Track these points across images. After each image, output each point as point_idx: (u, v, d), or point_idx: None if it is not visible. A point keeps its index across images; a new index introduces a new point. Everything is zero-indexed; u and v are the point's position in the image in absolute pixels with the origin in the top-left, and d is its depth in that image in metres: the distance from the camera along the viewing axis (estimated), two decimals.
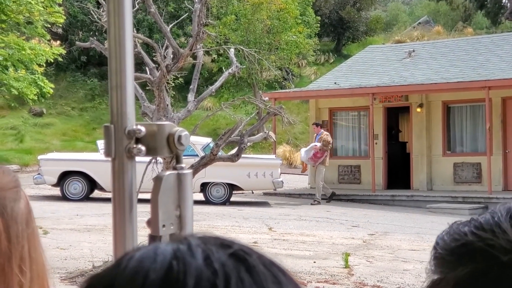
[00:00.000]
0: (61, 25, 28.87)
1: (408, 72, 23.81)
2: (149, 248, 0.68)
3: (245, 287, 0.63)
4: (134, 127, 1.13)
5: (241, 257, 0.66)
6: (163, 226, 1.09)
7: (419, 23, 47.25)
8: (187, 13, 14.55)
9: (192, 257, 0.65)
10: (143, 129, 1.13)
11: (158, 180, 1.09)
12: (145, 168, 7.92)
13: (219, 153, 10.35)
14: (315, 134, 20.65)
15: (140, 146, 1.13)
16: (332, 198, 20.04)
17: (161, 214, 1.08)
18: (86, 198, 18.83)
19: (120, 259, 0.68)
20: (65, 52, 25.36)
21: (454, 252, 0.88)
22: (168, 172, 1.10)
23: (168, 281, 0.64)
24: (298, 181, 23.91)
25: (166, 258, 0.65)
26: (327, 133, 20.40)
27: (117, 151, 1.13)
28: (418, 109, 22.09)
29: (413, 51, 25.31)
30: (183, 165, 1.12)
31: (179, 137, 1.13)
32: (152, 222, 1.09)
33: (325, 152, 19.79)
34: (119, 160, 1.14)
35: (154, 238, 1.09)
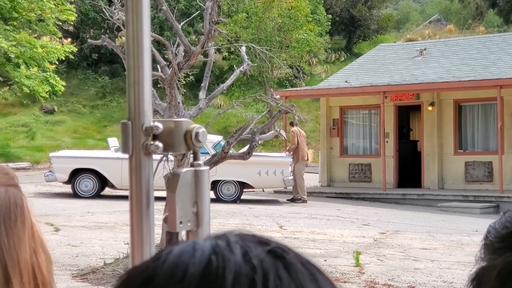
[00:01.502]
0: (72, 23, 28.94)
1: (419, 70, 23.75)
2: (188, 243, 0.69)
3: (283, 284, 0.64)
4: (152, 123, 1.13)
5: (279, 255, 0.67)
6: (180, 222, 1.09)
7: (431, 21, 47.15)
8: (198, 11, 14.57)
9: (231, 252, 0.66)
10: (160, 125, 1.13)
11: (175, 176, 1.09)
12: (156, 166, 7.94)
13: (230, 151, 10.35)
14: None
15: (157, 142, 1.13)
16: (293, 201, 19.61)
17: (178, 210, 1.09)
18: (97, 195, 18.88)
19: (159, 253, 0.68)
20: (76, 49, 25.43)
21: (504, 239, 0.90)
22: (185, 169, 1.10)
23: (207, 276, 0.64)
24: (308, 179, 23.82)
25: (205, 253, 0.66)
26: (293, 132, 19.72)
27: (135, 148, 1.14)
28: (430, 108, 22.03)
29: (425, 49, 25.23)
30: (200, 162, 1.12)
31: (197, 133, 1.13)
32: (169, 219, 1.09)
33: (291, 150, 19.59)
34: (137, 157, 1.14)
35: (171, 234, 1.09)
